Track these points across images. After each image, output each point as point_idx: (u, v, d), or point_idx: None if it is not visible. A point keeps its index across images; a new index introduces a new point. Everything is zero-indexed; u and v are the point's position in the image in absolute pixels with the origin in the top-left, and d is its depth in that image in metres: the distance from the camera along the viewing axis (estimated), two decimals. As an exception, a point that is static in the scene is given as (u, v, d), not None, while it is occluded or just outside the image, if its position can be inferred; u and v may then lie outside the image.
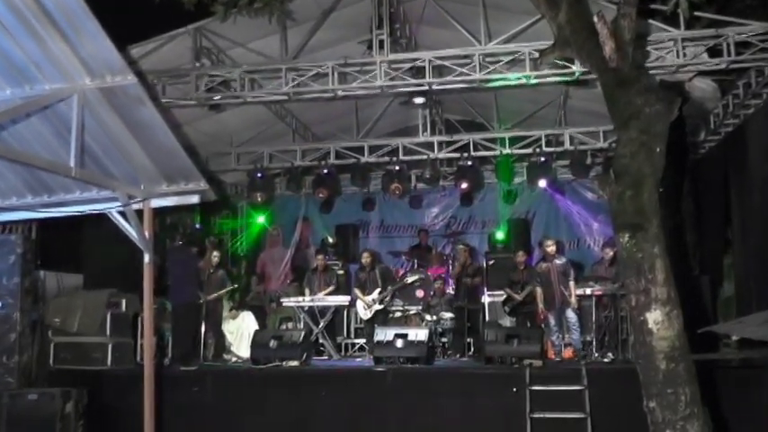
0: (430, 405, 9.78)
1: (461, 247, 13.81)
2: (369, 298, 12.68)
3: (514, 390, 9.53)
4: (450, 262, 14.15)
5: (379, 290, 12.70)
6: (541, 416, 9.26)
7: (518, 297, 12.13)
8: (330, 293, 12.72)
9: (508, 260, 13.08)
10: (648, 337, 5.35)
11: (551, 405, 9.30)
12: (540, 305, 11.45)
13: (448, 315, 12.42)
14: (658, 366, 5.30)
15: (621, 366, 10.19)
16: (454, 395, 9.80)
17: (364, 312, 12.74)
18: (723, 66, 10.44)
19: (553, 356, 11.32)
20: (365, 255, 13.25)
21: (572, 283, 11.28)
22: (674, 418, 5.22)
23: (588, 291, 11.43)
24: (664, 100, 5.69)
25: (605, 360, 10.93)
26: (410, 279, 13.29)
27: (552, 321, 11.42)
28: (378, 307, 12.63)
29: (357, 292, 12.88)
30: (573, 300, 11.21)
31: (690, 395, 5.27)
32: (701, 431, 5.24)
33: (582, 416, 9.17)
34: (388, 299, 12.80)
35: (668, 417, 5.24)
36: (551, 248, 11.63)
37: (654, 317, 5.33)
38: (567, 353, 11.47)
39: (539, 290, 11.48)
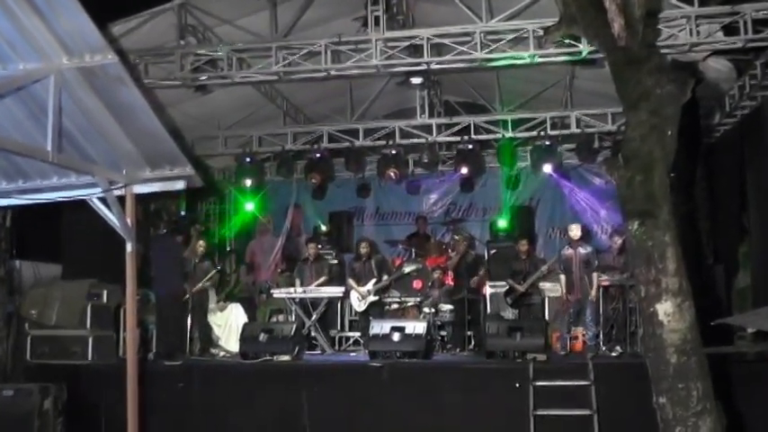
0: (428, 402, 9.82)
1: (459, 237, 13.83)
2: (363, 289, 12.70)
3: (517, 385, 9.57)
4: (450, 251, 14.16)
5: (374, 280, 12.72)
6: (545, 413, 9.30)
7: (520, 288, 12.14)
8: (322, 284, 12.74)
9: (510, 249, 13.09)
10: (659, 330, 5.35)
11: (556, 401, 9.33)
12: (564, 291, 11.48)
13: (447, 307, 12.44)
14: (669, 360, 5.30)
15: (630, 361, 10.23)
16: (454, 391, 9.83)
17: (358, 304, 12.78)
18: (739, 45, 10.39)
19: (559, 349, 11.37)
20: (363, 244, 13.27)
21: (595, 275, 11.33)
22: (686, 414, 5.23)
23: (595, 277, 11.47)
24: (676, 81, 5.68)
25: (613, 354, 10.97)
26: (407, 269, 13.32)
27: (569, 311, 11.49)
28: (372, 298, 12.66)
29: (351, 282, 12.90)
30: (593, 292, 11.26)
31: (702, 390, 5.28)
32: (714, 428, 5.26)
33: (588, 413, 9.21)
34: (384, 288, 12.80)
35: (679, 413, 5.25)
36: (576, 234, 11.66)
37: (664, 308, 5.33)
38: (574, 346, 11.51)
39: (562, 277, 11.52)
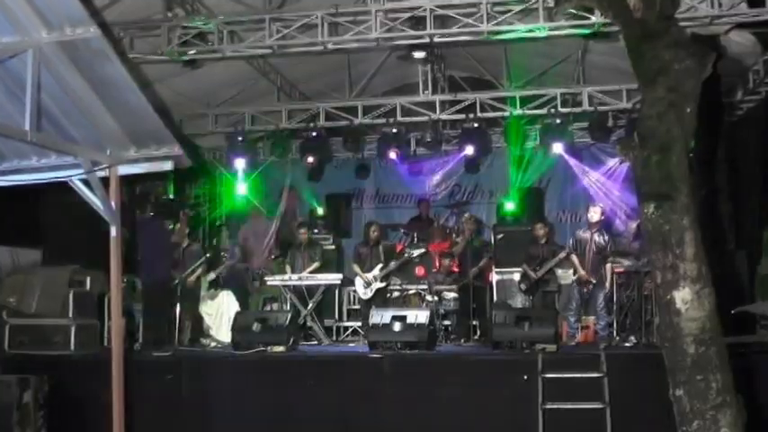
0: (431, 395, 9.83)
1: (468, 217, 13.82)
2: (369, 275, 12.67)
3: (525, 378, 9.58)
4: (453, 236, 14.15)
5: (380, 266, 12.70)
6: (555, 406, 9.31)
7: (534, 276, 12.13)
8: (315, 271, 12.75)
9: (519, 233, 13.11)
10: (676, 318, 5.34)
11: (566, 394, 9.34)
12: (581, 270, 11.50)
13: (451, 295, 12.45)
14: (686, 350, 5.29)
15: (645, 351, 10.26)
16: (458, 384, 9.84)
17: (364, 292, 12.76)
18: (764, 17, 10.35)
19: (568, 340, 11.40)
20: (373, 227, 13.20)
21: (608, 266, 11.36)
22: (704, 407, 5.23)
23: (609, 267, 11.48)
24: (695, 55, 5.64)
25: (627, 344, 11.00)
26: (415, 252, 13.27)
27: (574, 301, 11.50)
28: (379, 285, 12.64)
29: (356, 268, 12.89)
30: (607, 283, 11.32)
31: (722, 382, 5.28)
32: (734, 422, 5.25)
33: (600, 406, 9.22)
34: (388, 275, 12.80)
35: (697, 406, 5.25)
36: (595, 217, 11.66)
37: (682, 295, 5.32)
38: (584, 336, 11.53)
39: (574, 257, 11.55)
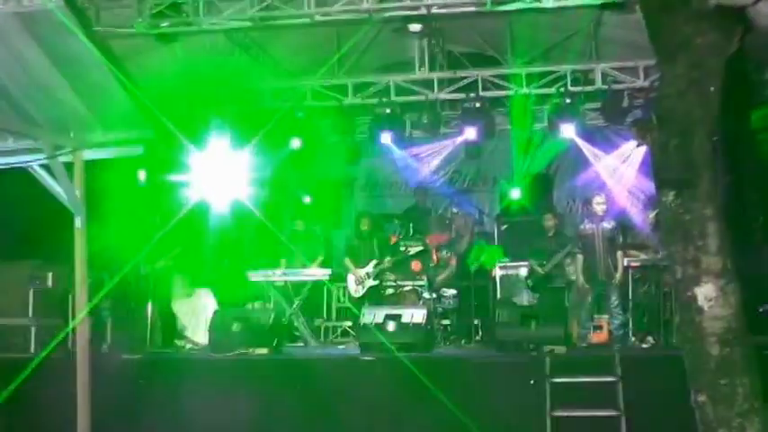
0: (428, 402, 9.79)
1: (455, 211, 13.85)
2: (362, 271, 12.68)
3: (532, 382, 9.60)
4: (453, 227, 14.15)
5: (375, 262, 12.70)
6: (565, 414, 9.32)
7: (540, 270, 12.14)
8: (319, 265, 12.82)
9: (524, 224, 13.12)
10: (698, 317, 5.35)
11: (577, 401, 9.36)
12: (581, 277, 11.50)
13: (451, 291, 12.45)
14: (710, 352, 5.30)
15: (664, 353, 10.30)
16: (458, 389, 9.82)
17: (355, 288, 12.78)
18: (796, -15, 10.35)
19: (580, 341, 11.41)
20: (364, 221, 13.23)
21: (619, 254, 11.35)
22: (729, 414, 5.24)
23: (624, 262, 11.48)
24: (720, 28, 5.64)
25: (644, 345, 11.05)
26: (413, 250, 13.26)
27: (588, 299, 11.51)
28: (372, 283, 12.64)
29: (348, 263, 12.88)
30: (618, 274, 11.29)
31: (749, 386, 5.29)
32: (763, 429, 5.27)
33: (614, 413, 9.24)
34: (383, 271, 12.81)
35: (722, 413, 5.26)
36: (601, 207, 11.66)
37: (704, 292, 5.32)
38: (597, 336, 11.55)
39: (579, 257, 11.54)
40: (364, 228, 13.08)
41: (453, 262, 13.14)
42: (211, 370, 10.79)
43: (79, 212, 7.28)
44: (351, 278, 12.83)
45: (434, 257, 13.13)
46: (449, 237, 13.81)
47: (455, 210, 14.16)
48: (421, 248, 13.28)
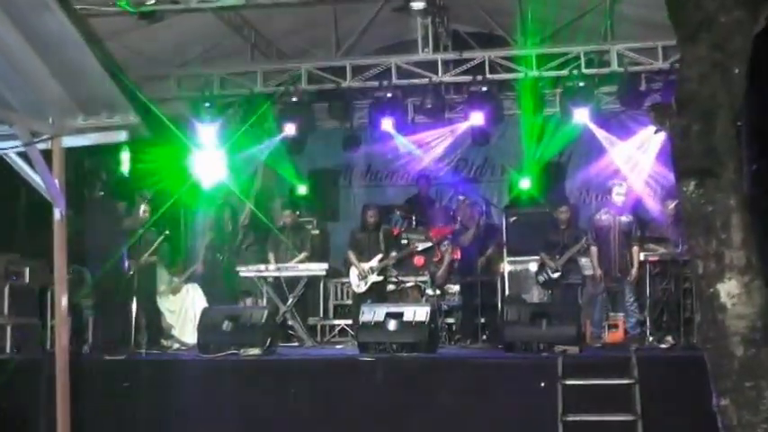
0: (431, 405, 9.84)
1: (462, 198, 13.81)
2: (365, 266, 12.67)
3: (542, 385, 9.58)
4: (458, 218, 14.13)
5: (380, 256, 12.70)
6: (577, 419, 9.30)
7: (552, 266, 12.13)
8: (302, 261, 12.74)
9: (535, 216, 13.11)
10: (720, 315, 5.33)
11: (591, 405, 9.34)
12: (598, 271, 11.50)
13: (456, 288, 12.45)
14: (733, 353, 5.29)
15: (684, 354, 10.30)
16: (463, 393, 9.85)
17: (357, 284, 12.77)
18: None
19: (594, 341, 11.42)
20: (370, 213, 13.17)
21: (635, 249, 11.35)
22: (755, 419, 5.23)
23: (642, 256, 11.47)
24: (745, 5, 5.62)
25: (662, 346, 11.05)
26: (421, 246, 13.24)
27: (601, 293, 11.52)
28: (375, 278, 12.64)
29: (351, 256, 12.88)
30: (633, 271, 11.30)
31: (775, 390, 5.30)
32: (789, 437, 5.28)
33: (631, 418, 9.22)
34: (390, 266, 12.82)
35: (746, 418, 5.25)
36: (621, 198, 11.65)
37: (728, 288, 5.31)
38: (613, 336, 11.55)
39: (594, 249, 11.54)
40: (371, 220, 13.04)
41: (457, 256, 13.10)
42: (200, 372, 10.79)
43: (58, 203, 7.26)
44: (353, 273, 12.82)
45: (438, 253, 13.11)
46: (453, 229, 13.78)
47: (461, 197, 14.10)
48: (429, 245, 13.29)
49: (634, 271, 11.41)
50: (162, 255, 12.92)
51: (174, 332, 12.74)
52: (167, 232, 12.96)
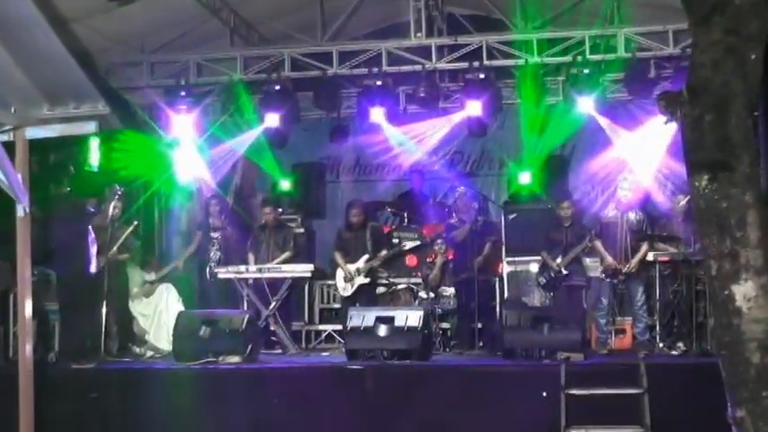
0: (425, 417, 9.85)
1: (462, 190, 13.80)
2: (352, 267, 12.67)
3: (544, 395, 9.61)
4: (454, 215, 14.14)
5: (366, 257, 12.69)
6: (582, 431, 9.33)
7: (554, 265, 12.14)
8: (285, 261, 12.73)
9: (536, 213, 13.13)
10: (736, 320, 5.34)
11: (596, 416, 9.37)
12: (608, 258, 11.51)
13: (451, 291, 12.46)
14: (749, 360, 5.30)
15: (696, 361, 10.31)
16: (460, 403, 9.87)
17: (344, 287, 12.77)
18: None
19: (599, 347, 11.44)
20: (354, 211, 13.14)
21: (644, 247, 11.36)
22: (772, 431, 5.26)
23: (651, 256, 11.48)
24: (762, -14, 5.64)
25: (673, 353, 11.07)
26: (409, 245, 13.25)
27: (605, 299, 11.52)
28: (363, 280, 12.64)
29: (338, 257, 12.88)
30: (634, 261, 11.33)
31: (794, 400, 5.31)
32: (808, 451, 5.29)
33: (640, 431, 9.25)
34: (376, 266, 12.82)
35: (763, 429, 5.26)
36: (628, 193, 11.67)
37: (743, 291, 5.32)
38: (620, 342, 11.57)
39: (598, 243, 11.54)
40: (355, 219, 13.02)
41: (450, 256, 13.09)
42: (175, 381, 10.79)
43: (22, 199, 7.23)
44: (339, 275, 12.82)
45: (432, 253, 13.10)
46: (447, 224, 13.75)
47: (461, 189, 14.09)
48: (417, 243, 13.28)
49: (635, 261, 11.40)
50: (134, 252, 12.87)
51: (148, 338, 12.70)
52: (136, 222, 12.91)
